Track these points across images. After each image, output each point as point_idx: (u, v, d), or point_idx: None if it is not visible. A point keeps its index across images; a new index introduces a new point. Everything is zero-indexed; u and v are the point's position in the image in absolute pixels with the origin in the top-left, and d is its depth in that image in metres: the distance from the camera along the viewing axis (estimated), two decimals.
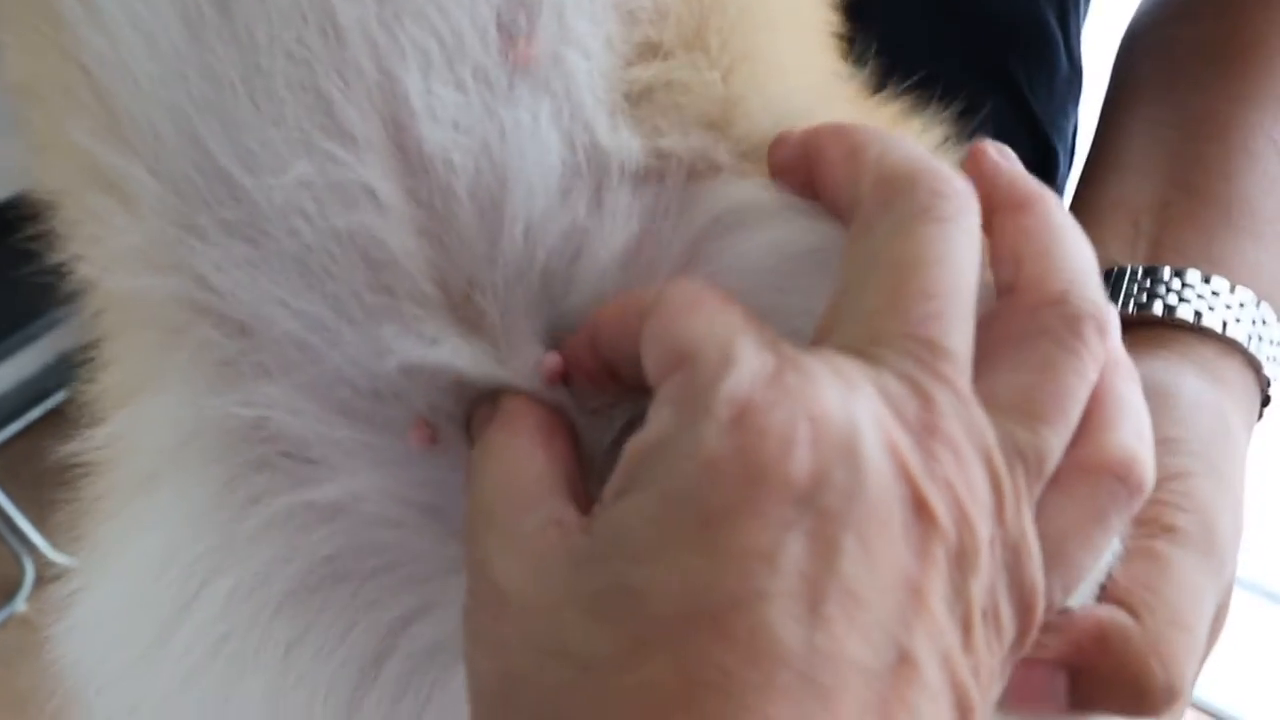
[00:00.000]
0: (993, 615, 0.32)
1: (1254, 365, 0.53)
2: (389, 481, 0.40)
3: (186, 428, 0.41)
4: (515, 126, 0.37)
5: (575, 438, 0.38)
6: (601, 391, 0.39)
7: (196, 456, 0.41)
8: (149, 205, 0.38)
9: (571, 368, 0.39)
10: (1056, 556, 0.34)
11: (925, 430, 0.32)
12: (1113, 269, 0.56)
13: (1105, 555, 0.40)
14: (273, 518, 0.41)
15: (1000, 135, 0.41)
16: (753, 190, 0.40)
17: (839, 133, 0.38)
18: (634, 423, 0.33)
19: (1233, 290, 0.54)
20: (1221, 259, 0.55)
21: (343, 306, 0.38)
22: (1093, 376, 0.35)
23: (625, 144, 0.39)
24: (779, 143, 0.40)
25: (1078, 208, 0.63)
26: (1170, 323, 0.53)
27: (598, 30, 0.38)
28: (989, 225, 0.37)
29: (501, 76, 0.37)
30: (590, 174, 0.39)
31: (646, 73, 0.39)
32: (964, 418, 0.32)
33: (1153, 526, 0.43)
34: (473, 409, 0.39)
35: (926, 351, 0.32)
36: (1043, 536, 0.33)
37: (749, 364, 0.32)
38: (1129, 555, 0.41)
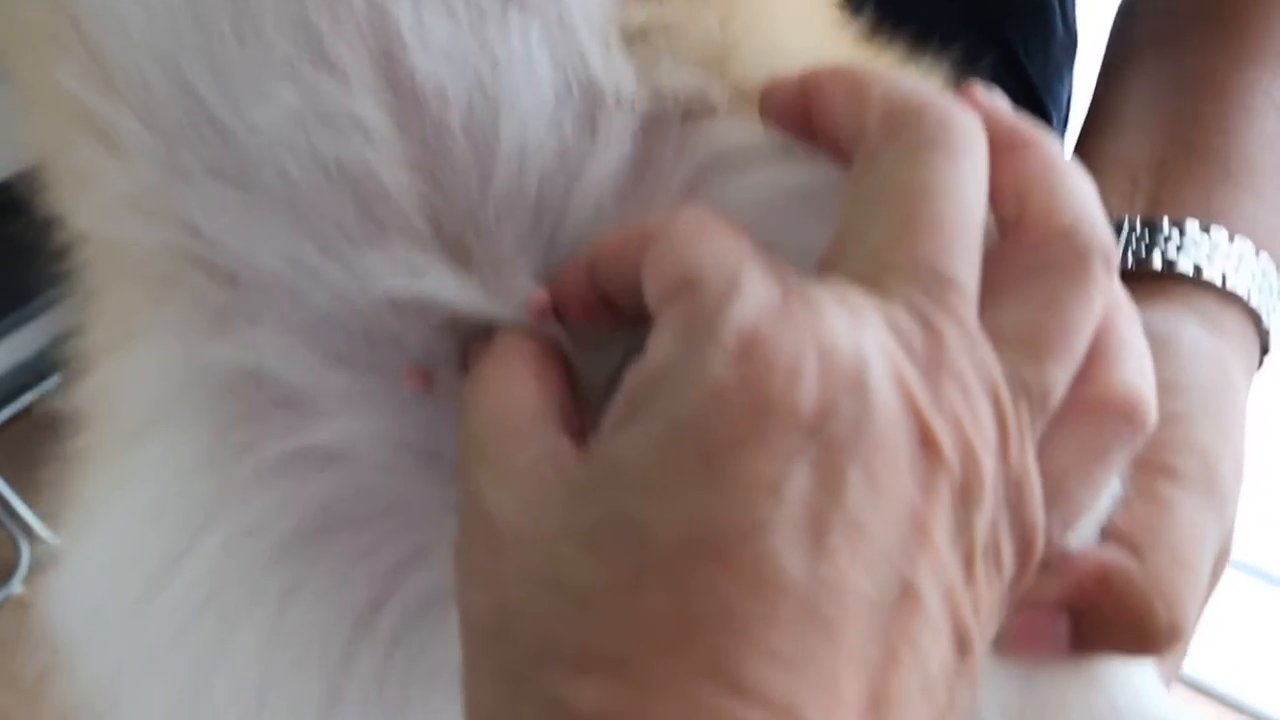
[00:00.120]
0: (994, 551, 0.32)
1: (1254, 316, 0.53)
2: (384, 426, 0.40)
3: (176, 378, 0.41)
4: (508, 56, 0.37)
5: (571, 372, 0.38)
6: (597, 326, 0.38)
7: (187, 407, 0.41)
8: (137, 152, 0.38)
9: (567, 300, 0.38)
10: (1057, 493, 0.34)
11: (932, 364, 0.31)
12: (1110, 223, 0.56)
13: (1105, 493, 0.39)
14: (266, 468, 0.40)
15: None
16: (751, 132, 0.40)
17: (840, 71, 0.38)
18: (631, 358, 0.33)
19: (1232, 241, 0.53)
20: (1220, 213, 0.55)
21: (331, 245, 0.37)
22: (1099, 312, 0.35)
23: (620, 77, 0.38)
24: (774, 86, 0.40)
25: None
26: (1169, 274, 0.53)
27: None
28: (988, 164, 0.37)
29: (494, 4, 0.37)
30: (585, 107, 0.38)
31: (642, 13, 0.39)
32: (971, 352, 0.32)
33: (1153, 469, 0.43)
34: (468, 349, 0.39)
35: (935, 283, 0.32)
36: (1044, 473, 0.33)
37: (755, 293, 0.31)
38: (1130, 498, 0.41)
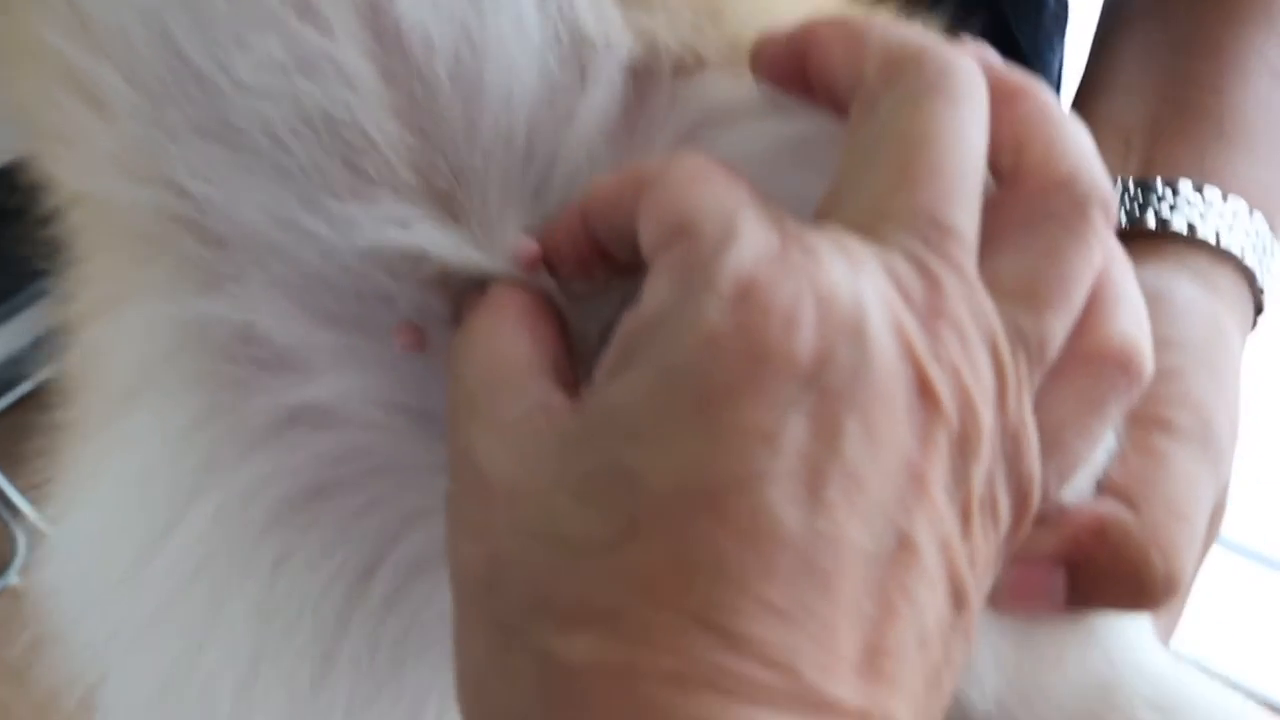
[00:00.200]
0: (990, 504, 0.32)
1: (1247, 274, 0.52)
2: (376, 385, 0.39)
3: (163, 342, 0.40)
4: (494, 5, 0.36)
5: (564, 324, 0.37)
6: (589, 276, 0.38)
7: (174, 372, 0.40)
8: (122, 110, 0.37)
9: (559, 249, 0.38)
10: (1053, 445, 0.33)
11: (931, 312, 0.31)
12: None
13: (1101, 445, 0.39)
14: (256, 434, 0.40)
15: None
16: (744, 87, 0.39)
17: (836, 21, 0.38)
18: (625, 309, 0.32)
19: (1225, 200, 0.53)
20: (1214, 172, 0.55)
21: (316, 199, 0.37)
22: (1098, 263, 0.34)
23: (610, 28, 0.38)
24: (767, 40, 0.39)
25: None
26: (1163, 233, 0.52)
27: None
28: None
29: None
30: (574, 54, 0.38)
31: None
32: (970, 301, 0.31)
33: (1148, 423, 0.42)
34: (461, 304, 0.38)
35: (934, 231, 0.32)
36: (1040, 425, 0.33)
37: (753, 239, 0.31)
38: (1125, 451, 0.41)
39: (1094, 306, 0.35)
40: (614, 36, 0.38)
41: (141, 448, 0.41)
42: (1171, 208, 0.53)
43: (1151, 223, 0.53)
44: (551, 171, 0.38)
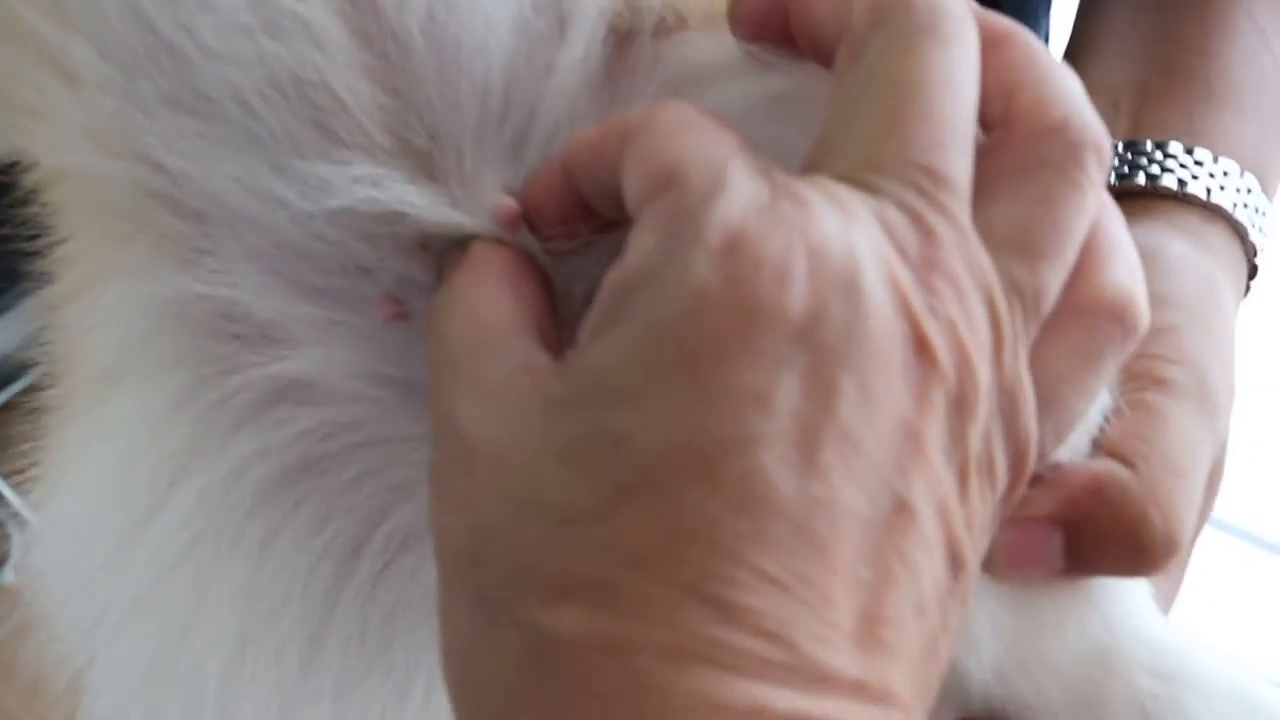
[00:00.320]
0: (987, 464, 0.31)
1: (1239, 232, 0.52)
2: (359, 358, 0.39)
3: (144, 320, 0.40)
4: None
5: (547, 283, 0.36)
6: (573, 233, 0.37)
7: (155, 351, 0.40)
8: (95, 83, 0.37)
9: (541, 205, 0.37)
10: (1050, 402, 0.33)
11: (926, 265, 0.30)
12: None
13: (1097, 401, 0.39)
14: (240, 412, 0.39)
15: None
16: (726, 45, 0.38)
17: None
18: (610, 266, 0.31)
19: (1216, 160, 0.53)
20: (1204, 132, 0.54)
21: (287, 166, 0.36)
22: (1092, 211, 0.33)
23: None
24: None
25: None
26: (1154, 191, 0.52)
27: None
28: None
29: None
30: (554, 5, 0.37)
31: None
32: (965, 252, 0.30)
33: (1144, 380, 0.42)
34: (442, 267, 0.37)
35: (928, 180, 0.30)
36: (1035, 381, 0.32)
37: (742, 190, 0.30)
38: (1121, 409, 0.40)
39: (1087, 257, 0.33)
40: None
41: (124, 430, 0.41)
42: (1162, 168, 0.52)
43: (1141, 180, 0.52)
44: (531, 127, 0.38)
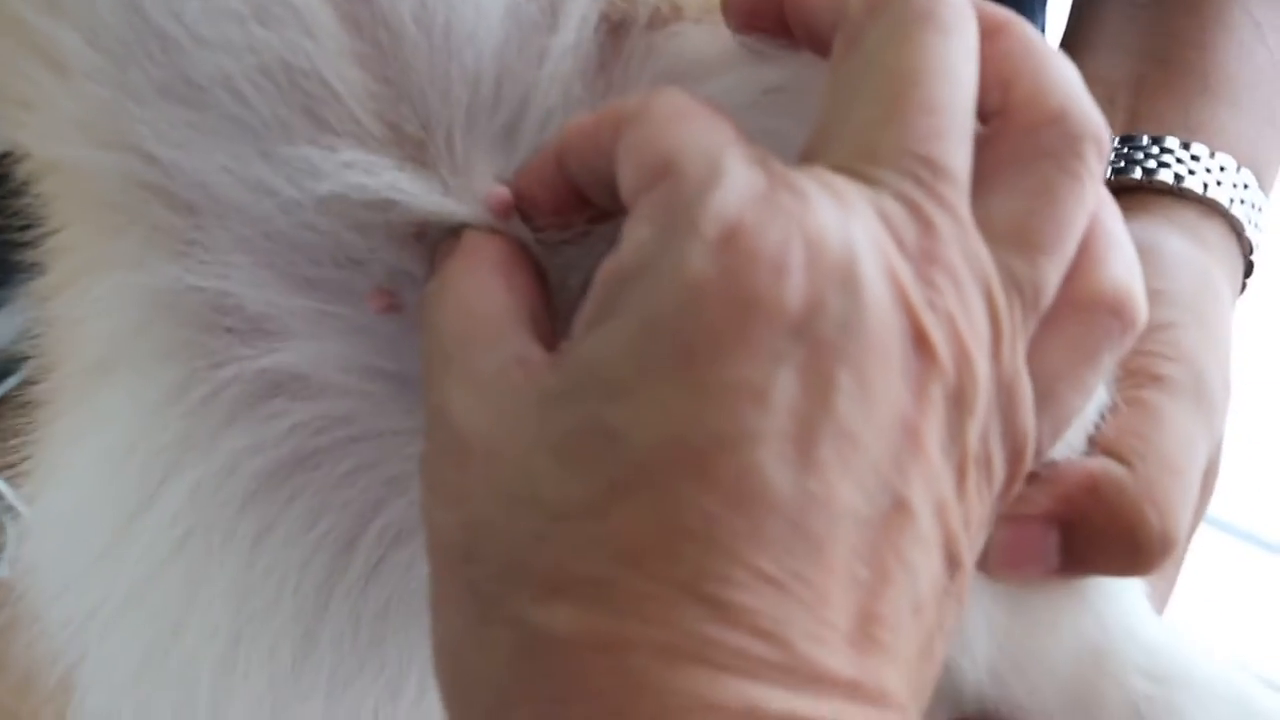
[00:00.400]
0: (985, 461, 0.31)
1: (1236, 228, 0.52)
2: (352, 351, 0.38)
3: (138, 312, 0.39)
4: None
5: (540, 273, 0.36)
6: (566, 223, 0.36)
7: (148, 344, 0.40)
8: (85, 74, 0.36)
9: (534, 194, 0.36)
10: (1047, 398, 0.32)
11: (925, 257, 0.29)
12: None
13: (1095, 398, 0.38)
14: (233, 405, 0.39)
15: None
16: (722, 36, 0.38)
17: None
18: (605, 257, 0.31)
19: (1212, 155, 0.52)
20: (1200, 126, 0.54)
21: (277, 154, 0.36)
22: (1091, 203, 0.33)
23: None
24: None
25: None
26: (1150, 186, 0.52)
27: None
28: None
29: None
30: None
31: None
32: (964, 245, 0.30)
33: (1140, 377, 0.42)
34: (435, 257, 0.37)
35: (927, 171, 0.30)
36: (1033, 377, 0.31)
37: (739, 180, 0.29)
38: (1117, 406, 0.40)
39: (1086, 252, 0.33)
40: None
41: (115, 424, 0.40)
42: (1160, 163, 0.52)
43: (1138, 175, 0.52)
44: (523, 114, 0.37)
